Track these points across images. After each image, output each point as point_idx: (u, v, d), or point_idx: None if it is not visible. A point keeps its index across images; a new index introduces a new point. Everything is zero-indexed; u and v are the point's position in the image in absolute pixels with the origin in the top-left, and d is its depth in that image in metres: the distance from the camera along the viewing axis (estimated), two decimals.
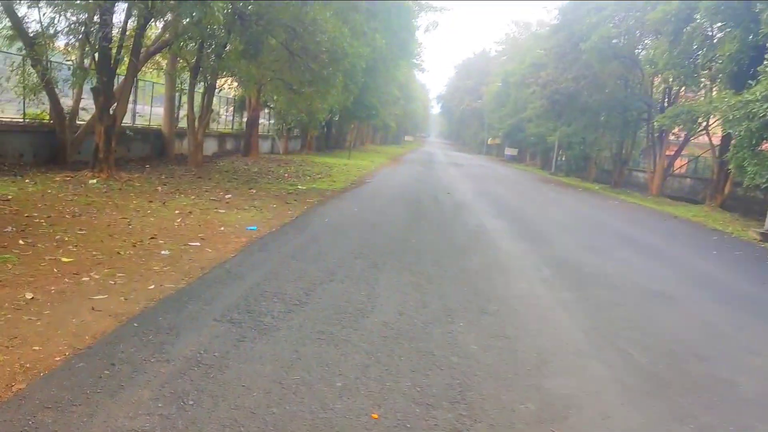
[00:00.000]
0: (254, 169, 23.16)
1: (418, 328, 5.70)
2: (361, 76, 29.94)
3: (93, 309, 5.39)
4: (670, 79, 29.19)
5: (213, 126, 29.76)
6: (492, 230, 12.52)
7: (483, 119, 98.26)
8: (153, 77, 24.51)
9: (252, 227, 10.26)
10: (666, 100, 31.66)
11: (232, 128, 32.19)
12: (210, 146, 28.13)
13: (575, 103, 36.40)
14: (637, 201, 26.50)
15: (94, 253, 7.25)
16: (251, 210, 12.24)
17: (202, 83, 22.05)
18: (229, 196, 14.03)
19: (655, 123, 27.83)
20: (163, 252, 7.76)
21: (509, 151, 73.66)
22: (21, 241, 7.28)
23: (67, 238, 7.74)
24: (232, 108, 32.52)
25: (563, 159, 50.20)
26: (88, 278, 6.26)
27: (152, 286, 6.26)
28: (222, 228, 9.94)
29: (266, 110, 34.42)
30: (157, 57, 21.63)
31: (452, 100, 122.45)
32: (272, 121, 35.73)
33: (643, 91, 34.14)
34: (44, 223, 8.45)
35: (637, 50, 33.63)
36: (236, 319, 5.46)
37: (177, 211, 11.04)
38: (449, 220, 13.70)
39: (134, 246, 7.87)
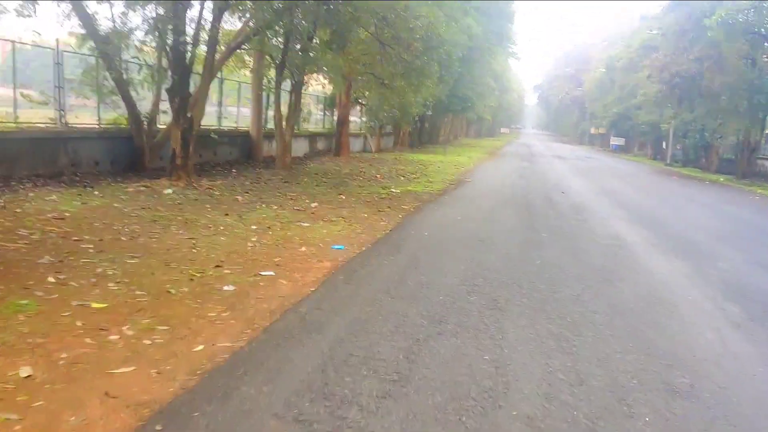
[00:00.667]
0: (345, 170, 21.66)
1: (583, 429, 3.70)
2: (456, 66, 27.81)
3: (106, 395, 3.77)
4: None
5: (303, 126, 28.65)
6: (630, 242, 10.18)
7: (584, 108, 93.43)
8: (241, 77, 23.52)
9: (338, 246, 8.55)
10: None
11: (323, 127, 30.99)
12: (300, 147, 27.00)
13: (697, 86, 32.57)
14: None
15: (137, 293, 5.71)
16: (339, 222, 10.55)
17: (289, 81, 20.74)
18: (315, 204, 12.43)
19: None
20: (226, 287, 6.14)
21: (615, 141, 68.95)
22: (51, 278, 5.86)
23: (111, 272, 6.27)
24: (322, 106, 31.31)
25: (678, 148, 45.75)
26: (117, 336, 4.68)
27: (200, 347, 4.61)
28: (303, 248, 8.28)
29: (357, 107, 33.00)
30: (243, 54, 20.55)
31: (550, 90, 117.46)
32: (363, 119, 34.24)
33: None
34: (91, 250, 7.07)
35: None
36: (307, 413, 3.67)
37: (254, 227, 9.52)
38: (573, 228, 11.44)
39: (192, 279, 6.31)
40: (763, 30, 29.33)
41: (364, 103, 30.66)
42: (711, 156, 40.13)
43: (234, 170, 18.36)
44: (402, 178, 20.05)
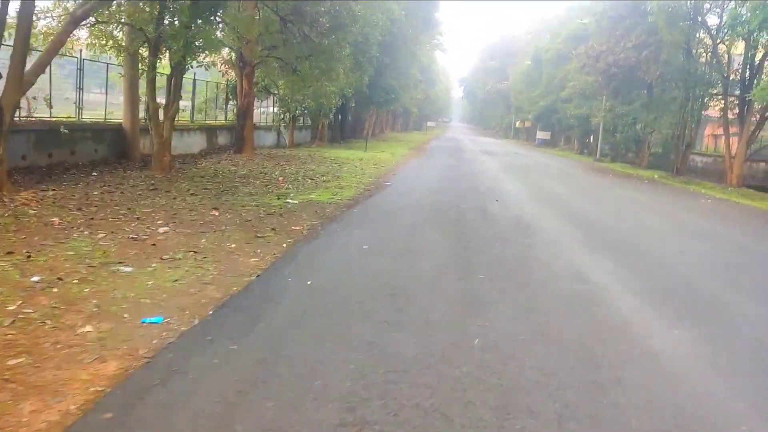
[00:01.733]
0: (243, 170, 18.13)
1: None
2: (375, 51, 24.63)
3: None
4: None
5: (199, 118, 24.80)
6: (604, 287, 7.19)
7: (509, 102, 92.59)
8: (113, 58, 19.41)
9: (154, 319, 5.15)
10: (748, 70, 25.82)
11: (226, 119, 27.14)
12: (195, 142, 23.15)
13: (635, 77, 30.66)
14: (734, 198, 20.82)
15: None
16: (185, 260, 7.11)
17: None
18: (166, 228, 8.89)
19: (754, 96, 22.06)
20: None
21: (541, 135, 67.79)
22: None
23: None
24: (226, 95, 27.43)
25: (607, 143, 44.22)
26: None
27: None
28: (87, 327, 4.82)
29: (270, 97, 29.32)
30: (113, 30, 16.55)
31: (476, 83, 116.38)
32: (276, 110, 30.55)
33: (715, 61, 28.32)
34: None
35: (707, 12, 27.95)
36: None
37: (36, 278, 5.96)
38: (520, 262, 8.38)
39: None
40: (699, 18, 27.62)
41: (275, 92, 27.03)
42: (642, 151, 38.68)
43: (95, 173, 14.54)
44: (309, 181, 16.69)
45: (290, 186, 15.21)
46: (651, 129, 36.15)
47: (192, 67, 17.49)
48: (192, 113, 23.99)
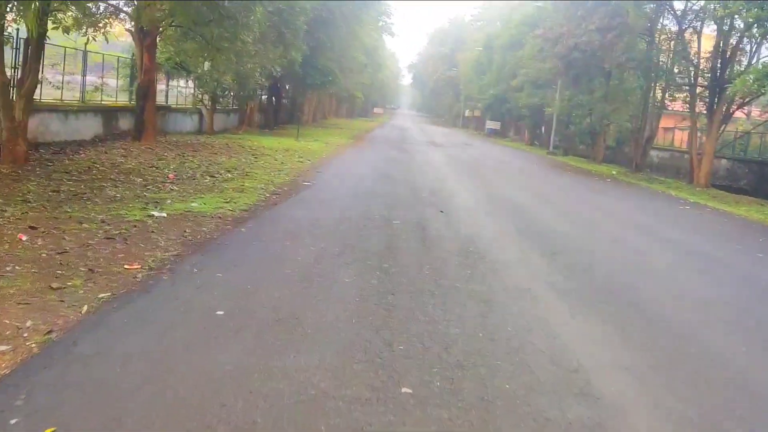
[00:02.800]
0: (130, 163, 14.46)
1: None
2: (303, 23, 21.04)
3: None
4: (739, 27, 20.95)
5: (94, 96, 20.79)
6: (624, 408, 4.11)
7: (458, 90, 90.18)
8: None
9: None
10: (719, 60, 23.44)
11: (130, 100, 23.12)
12: (86, 127, 19.17)
13: (595, 64, 28.03)
14: (711, 203, 18.21)
15: None
16: None
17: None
18: None
19: (733, 87, 19.52)
20: None
21: (491, 125, 65.37)
22: None
23: None
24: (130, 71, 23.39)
25: (556, 134, 41.83)
26: None
27: None
28: None
29: (188, 76, 25.39)
30: None
31: (425, 70, 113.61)
32: (195, 90, 26.59)
33: (681, 47, 25.91)
34: None
35: None
36: None
37: None
38: (478, 346, 5.15)
39: None
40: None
41: (189, 69, 23.17)
42: (598, 144, 36.35)
43: None
44: (207, 179, 13.18)
45: (175, 188, 11.67)
46: (608, 121, 33.84)
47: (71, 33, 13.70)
48: (82, 92, 19.97)
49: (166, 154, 16.93)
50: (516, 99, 49.49)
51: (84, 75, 19.90)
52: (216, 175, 13.71)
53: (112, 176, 12.32)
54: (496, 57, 57.29)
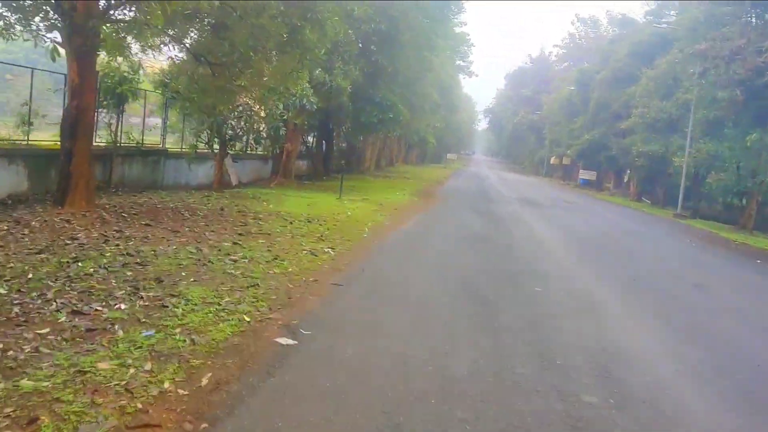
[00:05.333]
0: None
1: None
2: (335, 30, 13.09)
3: None
4: None
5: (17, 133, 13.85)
6: None
7: (542, 134, 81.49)
8: None
9: None
10: None
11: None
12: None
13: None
14: None
15: None
16: None
17: None
18: None
19: None
20: None
21: (585, 175, 56.16)
22: None
23: None
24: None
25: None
26: None
27: None
28: None
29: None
30: None
31: (503, 113, 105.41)
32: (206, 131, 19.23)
33: None
34: None
35: None
36: None
37: None
38: None
39: None
40: None
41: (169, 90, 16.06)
42: (750, 206, 26.96)
43: None
44: (62, 318, 5.47)
45: None
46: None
47: None
48: None
49: (78, 236, 9.36)
50: (623, 145, 40.58)
51: None
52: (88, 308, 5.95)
53: None
54: (594, 95, 48.61)
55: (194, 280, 7.18)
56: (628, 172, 44.54)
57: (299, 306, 6.57)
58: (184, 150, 19.49)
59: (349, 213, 15.42)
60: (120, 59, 14.52)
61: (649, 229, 21.17)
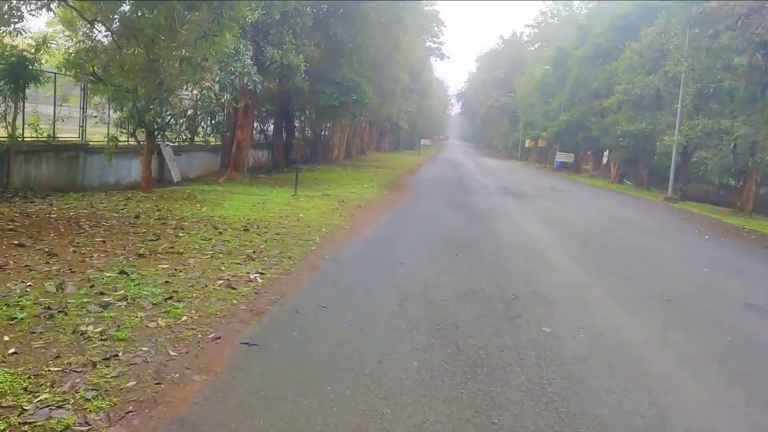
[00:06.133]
0: None
1: None
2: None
3: None
4: None
5: None
6: None
7: (516, 117, 79.43)
8: None
9: None
10: None
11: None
12: None
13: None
14: None
15: None
16: None
17: None
18: None
19: None
20: None
21: (562, 157, 54.02)
22: None
23: None
24: None
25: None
26: None
27: None
28: None
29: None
30: None
31: (475, 97, 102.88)
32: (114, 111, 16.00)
33: None
34: None
35: None
36: None
37: None
38: None
39: None
40: None
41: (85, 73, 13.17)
42: (748, 186, 24.85)
43: None
44: None
45: None
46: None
47: None
48: None
49: None
50: (604, 125, 38.34)
51: None
52: None
53: None
54: (572, 74, 46.30)
55: (14, 352, 4.48)
56: (608, 153, 42.31)
57: (159, 413, 3.86)
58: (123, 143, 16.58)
59: (301, 215, 12.73)
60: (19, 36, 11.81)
61: (648, 219, 18.79)
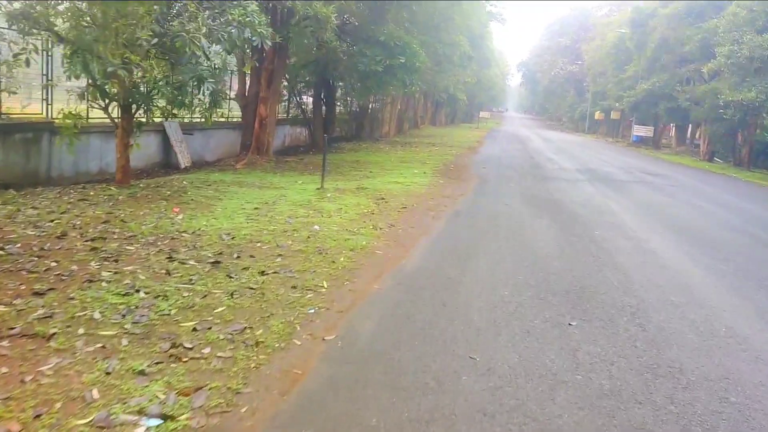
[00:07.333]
0: None
1: None
2: None
3: None
4: None
5: None
6: None
7: (584, 87, 73.44)
8: None
9: None
10: None
11: None
12: None
13: None
14: None
15: None
16: None
17: None
18: None
19: None
20: None
21: (640, 131, 48.28)
22: None
23: None
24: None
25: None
26: None
27: None
28: None
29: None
30: None
31: (538, 65, 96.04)
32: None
33: None
34: None
35: None
36: None
37: None
38: None
39: None
40: None
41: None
42: None
43: None
44: None
45: None
46: None
47: None
48: None
49: None
50: (697, 94, 32.82)
51: None
52: None
53: None
54: (655, 36, 40.55)
55: None
56: (702, 126, 36.67)
57: None
58: (89, 122, 12.87)
59: (317, 226, 8.70)
60: None
61: None
